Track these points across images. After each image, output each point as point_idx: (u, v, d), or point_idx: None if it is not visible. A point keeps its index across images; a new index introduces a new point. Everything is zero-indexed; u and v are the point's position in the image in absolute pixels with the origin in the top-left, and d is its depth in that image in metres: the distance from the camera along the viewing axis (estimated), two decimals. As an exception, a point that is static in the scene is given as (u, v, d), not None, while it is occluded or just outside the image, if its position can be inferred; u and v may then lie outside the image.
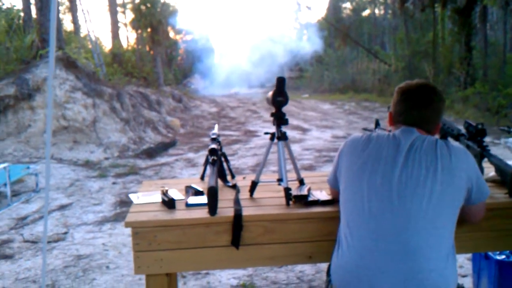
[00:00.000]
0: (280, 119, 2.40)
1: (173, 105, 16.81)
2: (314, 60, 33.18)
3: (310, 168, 8.15)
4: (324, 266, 4.06)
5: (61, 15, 25.30)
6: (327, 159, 9.03)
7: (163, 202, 2.33)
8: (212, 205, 2.15)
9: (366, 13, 39.98)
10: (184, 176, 8.02)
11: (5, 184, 6.38)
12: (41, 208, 6.29)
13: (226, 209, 2.23)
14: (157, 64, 22.05)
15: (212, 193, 2.13)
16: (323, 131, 13.19)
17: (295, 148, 9.97)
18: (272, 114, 2.42)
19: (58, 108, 9.93)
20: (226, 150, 2.78)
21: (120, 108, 11.39)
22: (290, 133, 2.50)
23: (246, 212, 2.18)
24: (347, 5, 41.10)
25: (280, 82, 2.32)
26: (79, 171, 8.53)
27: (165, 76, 24.10)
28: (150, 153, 9.99)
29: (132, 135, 10.93)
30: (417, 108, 2.02)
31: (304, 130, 13.28)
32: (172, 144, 11.15)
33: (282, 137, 2.40)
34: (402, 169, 1.86)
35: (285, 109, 2.41)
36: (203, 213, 2.19)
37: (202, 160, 9.19)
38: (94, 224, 5.60)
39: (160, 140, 11.44)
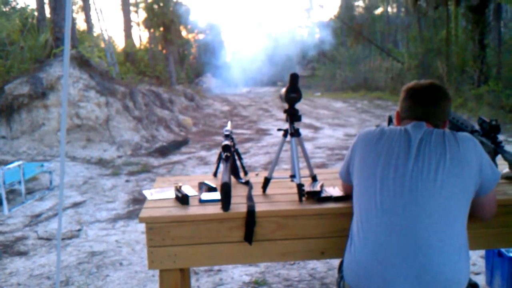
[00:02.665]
0: (293, 116, 2.40)
1: (186, 104, 16.86)
2: (327, 59, 33.09)
3: (323, 166, 8.14)
4: (336, 263, 4.06)
5: (74, 14, 25.46)
6: (339, 157, 9.01)
7: (177, 198, 2.35)
8: (226, 201, 2.16)
9: (378, 11, 39.76)
10: (197, 174, 8.04)
11: (19, 182, 6.44)
12: (55, 205, 6.34)
13: (239, 205, 2.24)
14: (169, 63, 22.14)
15: (226, 189, 2.14)
16: (335, 129, 13.16)
17: (307, 146, 9.95)
18: (285, 111, 2.42)
19: (71, 107, 10.00)
20: (238, 148, 2.79)
21: (133, 106, 11.45)
22: (302, 131, 2.50)
23: (259, 208, 2.19)
24: (360, 3, 40.92)
25: (294, 78, 2.32)
26: (93, 169, 8.58)
27: (178, 75, 24.18)
28: (163, 151, 10.04)
29: (144, 133, 10.98)
30: (422, 105, 2.04)
31: (316, 129, 13.27)
32: (184, 142, 11.19)
33: (295, 133, 2.40)
34: (413, 164, 1.86)
35: (297, 107, 2.42)
36: (216, 209, 2.20)
37: (214, 158, 9.22)
38: (108, 221, 5.63)
39: (173, 139, 11.49)
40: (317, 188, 2.34)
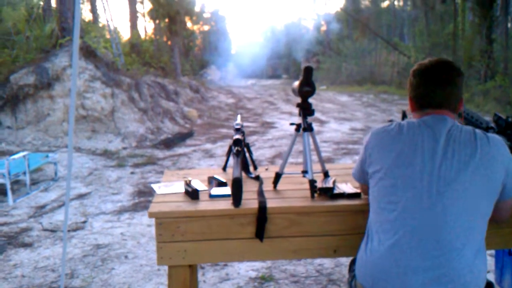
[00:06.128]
0: (306, 110, 2.35)
1: (191, 96, 16.81)
2: (332, 52, 32.98)
3: (329, 160, 8.08)
4: (344, 259, 4.01)
5: (80, 5, 25.40)
6: (345, 151, 8.96)
7: (187, 192, 2.30)
8: (237, 197, 2.11)
9: (385, 4, 39.55)
10: (202, 167, 8.00)
11: (24, 173, 6.41)
12: (59, 196, 6.32)
13: (250, 200, 2.19)
14: (174, 55, 22.06)
15: (237, 185, 2.09)
16: (341, 123, 13.11)
17: (313, 140, 9.90)
18: (298, 105, 2.37)
19: (77, 97, 9.96)
20: (248, 143, 2.74)
21: (139, 98, 11.40)
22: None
23: (270, 204, 2.14)
24: (366, -4, 40.70)
25: (308, 71, 2.27)
26: (98, 160, 8.55)
27: (182, 66, 24.13)
28: (168, 144, 10.00)
29: (150, 125, 10.94)
30: (440, 87, 1.91)
31: (322, 122, 13.21)
32: (189, 134, 11.15)
33: (308, 128, 2.35)
34: (441, 162, 1.76)
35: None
36: (227, 204, 2.15)
37: (219, 151, 9.18)
38: (113, 214, 5.60)
39: (178, 131, 11.45)
40: (330, 184, 2.28)
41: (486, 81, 16.60)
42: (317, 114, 14.80)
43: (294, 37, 36.92)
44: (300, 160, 7.54)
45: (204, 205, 2.17)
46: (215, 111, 15.90)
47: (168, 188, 2.44)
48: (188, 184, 2.31)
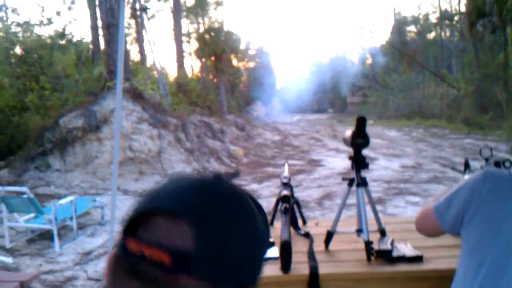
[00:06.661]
0: (359, 163, 2.16)
1: (236, 134, 16.80)
2: (378, 85, 32.66)
3: (380, 201, 7.78)
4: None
5: (128, 46, 26.06)
6: (396, 191, 8.63)
7: (231, 255, 2.13)
8: (286, 262, 1.93)
9: (431, 35, 39.02)
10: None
11: (71, 218, 6.39)
12: (106, 242, 6.25)
13: (300, 265, 2.00)
14: (220, 92, 22.24)
15: (286, 249, 1.92)
16: (391, 160, 12.74)
17: (362, 178, 9.62)
18: (351, 158, 2.19)
19: (124, 139, 10.03)
20: (297, 198, 2.56)
21: (185, 138, 11.42)
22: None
23: (322, 269, 1.95)
24: (412, 28, 40.27)
25: (361, 122, 2.09)
26: (144, 202, 8.50)
27: (228, 103, 24.29)
28: (214, 184, 9.89)
29: (196, 165, 10.90)
30: None
31: (371, 159, 12.87)
32: (235, 174, 10.83)
33: (362, 183, 2.16)
34: None
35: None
36: (275, 269, 1.96)
37: (265, 192, 9.00)
38: (158, 261, 5.47)
39: (224, 170, 11.35)
40: (388, 245, 2.07)
41: (542, 112, 15.98)
42: (365, 150, 14.47)
43: (339, 71, 36.82)
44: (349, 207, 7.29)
45: (250, 270, 2.00)
46: (261, 149, 15.79)
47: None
48: (233, 245, 2.15)
